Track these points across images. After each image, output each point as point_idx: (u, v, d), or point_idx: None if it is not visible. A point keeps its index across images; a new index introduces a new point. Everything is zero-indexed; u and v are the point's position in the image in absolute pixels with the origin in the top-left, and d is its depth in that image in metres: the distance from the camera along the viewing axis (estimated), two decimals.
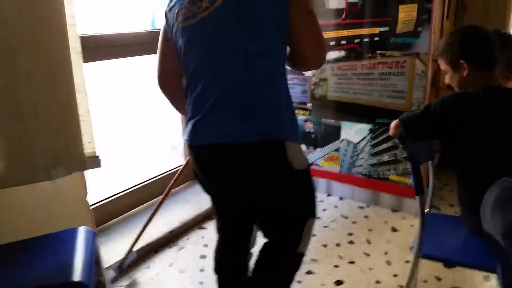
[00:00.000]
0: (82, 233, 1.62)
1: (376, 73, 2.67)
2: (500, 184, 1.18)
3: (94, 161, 1.65)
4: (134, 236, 2.21)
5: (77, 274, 1.36)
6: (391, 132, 1.60)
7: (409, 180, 2.68)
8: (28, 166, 1.50)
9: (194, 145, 1.35)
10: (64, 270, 1.39)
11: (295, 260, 1.47)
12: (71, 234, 1.61)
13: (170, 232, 2.45)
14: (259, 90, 1.25)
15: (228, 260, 1.61)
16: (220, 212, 1.56)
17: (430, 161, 1.84)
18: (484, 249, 1.43)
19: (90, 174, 2.00)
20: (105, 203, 2.51)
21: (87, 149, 1.62)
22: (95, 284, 1.63)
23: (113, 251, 2.23)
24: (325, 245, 2.40)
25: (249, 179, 1.33)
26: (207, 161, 1.36)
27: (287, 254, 1.45)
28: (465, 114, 1.46)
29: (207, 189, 1.49)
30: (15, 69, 1.40)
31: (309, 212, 1.42)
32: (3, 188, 1.47)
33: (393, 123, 1.59)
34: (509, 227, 1.05)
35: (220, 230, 1.58)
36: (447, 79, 1.62)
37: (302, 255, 1.46)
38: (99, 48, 2.15)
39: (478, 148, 1.48)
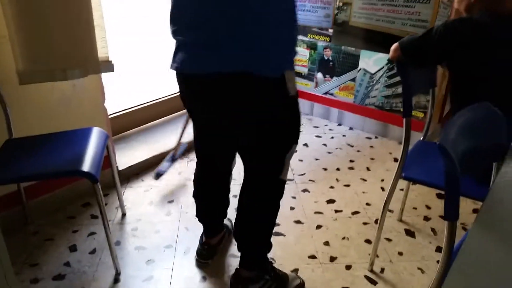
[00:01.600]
0: (95, 132, 1.80)
1: None
2: (479, 106, 1.21)
3: (108, 65, 1.78)
4: (151, 145, 2.42)
5: (86, 165, 1.55)
6: (390, 54, 1.60)
7: (421, 114, 2.70)
8: (47, 66, 1.64)
9: (180, 72, 1.32)
10: (75, 161, 1.57)
11: (278, 187, 1.50)
12: (85, 133, 1.79)
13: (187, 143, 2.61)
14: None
15: (209, 184, 1.67)
16: (202, 137, 1.58)
17: (430, 91, 1.86)
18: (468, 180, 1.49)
19: (111, 85, 2.14)
20: (124, 113, 2.70)
21: (101, 54, 1.75)
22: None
23: (130, 156, 2.44)
24: (325, 169, 2.53)
25: (240, 108, 1.30)
26: (195, 89, 1.34)
27: (270, 181, 1.47)
28: (467, 35, 1.42)
29: (194, 116, 1.51)
30: None
31: (294, 138, 1.42)
32: (24, 84, 1.63)
33: (393, 46, 1.59)
34: (469, 153, 1.11)
35: (200, 155, 1.63)
36: (456, 3, 1.58)
37: (284, 182, 1.49)
38: None
39: (475, 74, 1.48)
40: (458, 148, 1.09)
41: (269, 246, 1.60)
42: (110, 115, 2.46)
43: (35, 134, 1.77)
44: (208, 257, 1.76)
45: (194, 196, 1.72)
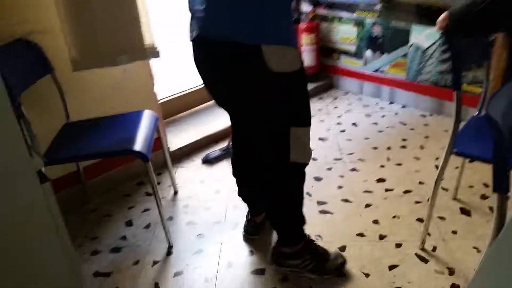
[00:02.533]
0: (146, 115, 1.88)
1: None
2: None
3: (154, 52, 1.85)
4: (200, 127, 2.50)
5: (138, 145, 1.63)
6: (437, 25, 1.52)
7: (479, 89, 2.54)
8: (97, 52, 1.74)
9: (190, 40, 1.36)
10: (128, 141, 1.66)
11: (291, 171, 1.43)
12: (137, 115, 1.87)
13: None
14: None
15: (240, 163, 1.69)
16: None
17: (486, 63, 1.75)
18: None
19: (162, 71, 2.22)
20: (174, 98, 2.79)
21: (147, 41, 1.82)
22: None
23: (181, 138, 2.52)
24: (375, 148, 2.46)
25: (222, 79, 1.32)
26: (194, 57, 1.39)
27: (279, 165, 1.42)
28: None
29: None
30: None
31: (289, 120, 1.32)
32: (77, 71, 1.75)
33: (442, 15, 1.50)
34: None
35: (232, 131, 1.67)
36: None
37: (298, 165, 1.42)
38: None
39: None
40: (510, 120, 1.03)
41: (298, 224, 1.58)
42: (161, 99, 2.56)
43: (90, 117, 1.88)
44: (254, 233, 1.80)
45: (233, 174, 1.75)
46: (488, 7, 1.37)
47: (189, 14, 1.33)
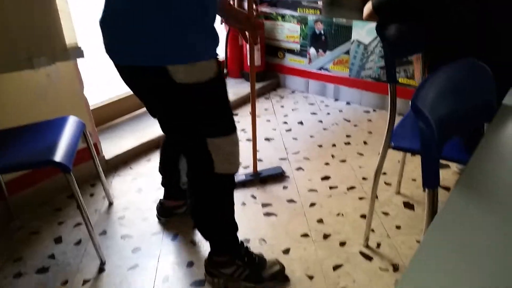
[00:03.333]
0: (71, 121, 1.73)
1: None
2: (462, 63, 1.11)
3: (76, 51, 1.70)
4: (137, 133, 2.34)
5: (58, 155, 1.48)
6: (364, 15, 1.49)
7: (416, 83, 2.58)
8: (12, 56, 1.57)
9: None
10: (47, 151, 1.51)
11: (217, 181, 1.34)
12: (60, 122, 1.72)
13: None
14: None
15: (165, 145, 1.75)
16: None
17: (420, 54, 1.74)
18: (457, 144, 1.39)
19: (92, 75, 2.07)
20: (109, 103, 2.63)
21: (68, 40, 1.67)
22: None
23: (117, 145, 2.38)
24: (320, 146, 2.43)
25: (139, 94, 1.32)
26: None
27: (203, 177, 1.35)
28: None
29: None
30: None
31: (204, 131, 1.24)
32: None
33: (367, 5, 1.47)
34: (454, 114, 1.01)
35: None
36: None
37: (222, 176, 1.33)
38: None
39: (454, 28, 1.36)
40: (439, 109, 0.99)
41: (229, 232, 1.48)
42: (93, 105, 2.41)
43: (12, 127, 1.71)
44: (160, 214, 1.87)
45: (159, 170, 1.80)
46: None
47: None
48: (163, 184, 1.84)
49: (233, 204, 1.45)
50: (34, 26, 1.58)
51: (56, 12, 1.61)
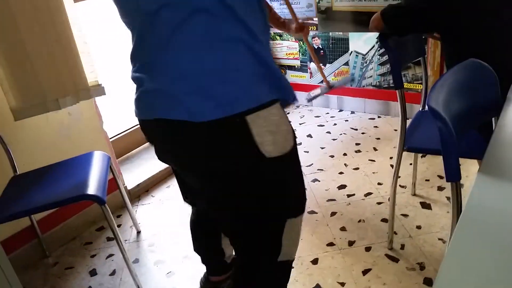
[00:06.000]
0: (97, 156, 1.81)
1: None
2: (468, 64, 1.19)
3: (98, 89, 1.80)
4: (155, 160, 2.42)
5: (92, 188, 1.56)
6: (370, 25, 1.56)
7: (420, 86, 2.67)
8: (39, 98, 1.67)
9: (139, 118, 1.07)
10: (80, 186, 1.58)
11: (277, 271, 1.13)
12: (87, 158, 1.80)
13: None
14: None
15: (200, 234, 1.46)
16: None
17: (422, 60, 1.84)
18: (474, 140, 1.44)
19: (107, 109, 2.16)
20: (125, 134, 2.71)
21: (90, 79, 1.77)
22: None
23: (137, 175, 2.45)
24: (332, 156, 2.51)
25: (194, 167, 1.02)
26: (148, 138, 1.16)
27: (264, 266, 1.11)
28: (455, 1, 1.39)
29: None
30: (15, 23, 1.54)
31: (287, 211, 1.04)
32: (19, 119, 1.66)
33: (374, 16, 1.53)
34: (466, 111, 1.09)
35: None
36: None
37: (285, 263, 1.11)
38: None
39: (467, 39, 1.44)
40: (452, 108, 1.08)
41: None
42: (111, 137, 2.49)
43: (40, 167, 1.79)
44: None
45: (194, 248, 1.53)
46: (425, 7, 1.42)
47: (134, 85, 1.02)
48: (203, 262, 1.55)
49: None
50: (58, 68, 1.67)
51: (76, 54, 1.71)
